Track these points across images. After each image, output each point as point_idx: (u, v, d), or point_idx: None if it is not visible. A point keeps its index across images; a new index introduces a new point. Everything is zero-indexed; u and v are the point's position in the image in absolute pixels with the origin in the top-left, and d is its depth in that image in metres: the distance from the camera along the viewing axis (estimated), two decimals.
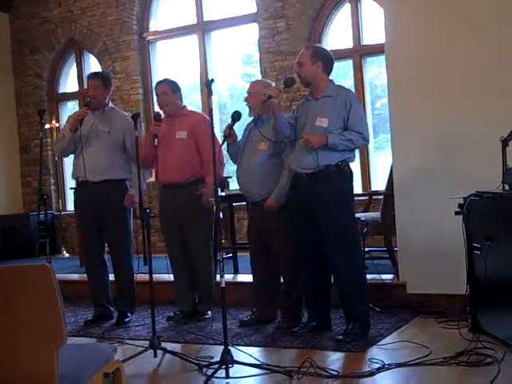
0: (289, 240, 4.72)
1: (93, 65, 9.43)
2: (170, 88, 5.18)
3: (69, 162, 9.39)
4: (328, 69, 4.51)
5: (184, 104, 5.34)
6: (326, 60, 4.50)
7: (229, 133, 4.64)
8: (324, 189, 4.35)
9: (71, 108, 10.01)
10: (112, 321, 5.38)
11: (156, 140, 4.86)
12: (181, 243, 5.22)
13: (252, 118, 4.89)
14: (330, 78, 4.56)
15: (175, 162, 5.05)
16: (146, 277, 4.43)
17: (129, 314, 5.36)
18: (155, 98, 8.66)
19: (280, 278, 4.94)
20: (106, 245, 5.46)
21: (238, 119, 4.69)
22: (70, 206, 9.28)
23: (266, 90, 4.79)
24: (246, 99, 4.85)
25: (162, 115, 5.20)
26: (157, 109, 8.63)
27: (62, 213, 9.27)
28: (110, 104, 5.46)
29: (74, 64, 9.58)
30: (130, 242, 5.38)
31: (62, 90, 9.74)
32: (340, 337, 4.35)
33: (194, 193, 5.01)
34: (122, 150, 5.28)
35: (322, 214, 4.37)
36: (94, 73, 5.55)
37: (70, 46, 9.50)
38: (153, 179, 5.48)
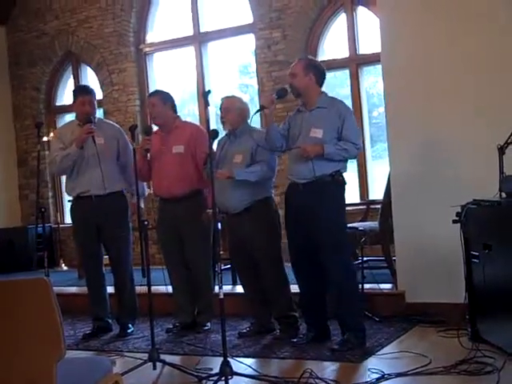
0: (272, 247, 4.76)
1: (90, 77, 9.44)
2: (160, 99, 5.16)
3: None
4: (320, 81, 4.54)
5: (178, 114, 5.30)
6: (319, 72, 4.53)
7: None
8: (319, 199, 4.36)
9: (69, 121, 9.99)
10: (111, 333, 5.37)
11: (148, 155, 4.86)
12: (180, 255, 5.21)
13: (225, 132, 4.95)
14: (323, 89, 4.58)
15: (173, 176, 5.05)
16: (145, 289, 4.42)
17: (130, 326, 5.36)
18: None
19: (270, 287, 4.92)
20: (106, 257, 5.46)
21: (216, 137, 4.77)
22: (69, 219, 9.19)
23: (241, 104, 4.89)
24: (223, 115, 4.87)
25: (154, 129, 5.21)
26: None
27: (60, 225, 9.26)
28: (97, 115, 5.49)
29: (72, 76, 9.60)
30: (131, 253, 5.39)
31: (59, 103, 9.75)
32: (336, 346, 4.35)
33: (194, 208, 5.04)
34: (117, 159, 5.30)
35: (316, 224, 4.37)
36: (86, 89, 5.42)
37: (67, 58, 9.51)
38: (151, 191, 5.50)
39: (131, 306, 5.36)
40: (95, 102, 5.34)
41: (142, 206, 5.21)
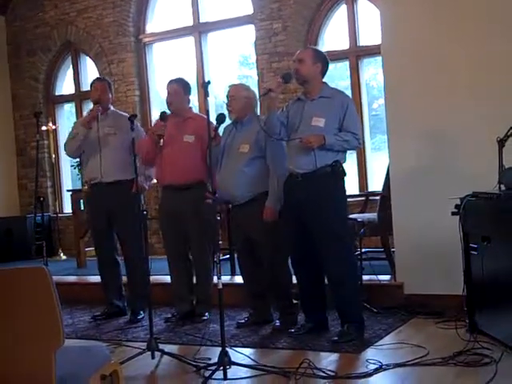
0: (277, 239, 4.73)
1: (89, 67, 9.43)
2: (183, 89, 5.23)
3: (65, 164, 9.49)
4: (324, 71, 4.57)
5: (190, 106, 5.37)
6: (325, 62, 4.56)
7: (214, 135, 4.66)
8: (319, 189, 4.36)
9: (68, 110, 10.01)
10: (123, 318, 5.49)
11: (162, 140, 4.91)
12: (180, 246, 5.22)
13: (231, 121, 4.92)
14: (324, 80, 4.59)
15: (180, 163, 5.06)
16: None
17: (141, 312, 5.42)
18: (152, 99, 8.80)
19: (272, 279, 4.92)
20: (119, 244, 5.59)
21: (223, 121, 4.75)
22: (67, 209, 9.27)
23: (248, 93, 4.87)
24: (229, 103, 4.86)
25: (168, 114, 5.19)
26: (153, 110, 8.72)
27: (59, 215, 9.25)
28: (112, 108, 5.65)
29: (71, 66, 9.58)
30: (145, 240, 5.38)
31: (58, 93, 9.74)
32: (335, 338, 4.36)
33: (197, 198, 4.98)
34: (130, 149, 5.30)
35: (316, 215, 4.37)
36: (100, 77, 5.81)
37: (67, 48, 9.50)
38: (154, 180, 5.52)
39: (142, 294, 5.36)
40: (106, 90, 5.53)
41: (146, 186, 5.41)
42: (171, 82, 5.28)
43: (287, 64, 7.60)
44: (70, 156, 6.10)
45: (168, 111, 5.20)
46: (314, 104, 4.48)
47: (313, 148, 4.32)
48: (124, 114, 5.67)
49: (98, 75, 9.02)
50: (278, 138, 4.55)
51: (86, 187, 5.67)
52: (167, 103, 5.25)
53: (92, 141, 5.39)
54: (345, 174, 4.49)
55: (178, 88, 5.21)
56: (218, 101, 8.70)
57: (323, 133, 4.35)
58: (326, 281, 4.62)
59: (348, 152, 4.60)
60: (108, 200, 5.34)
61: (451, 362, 3.73)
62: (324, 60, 4.56)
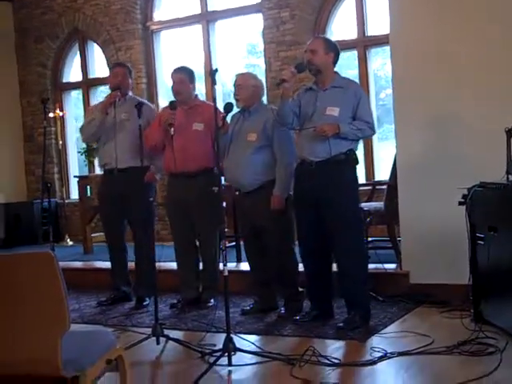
0: (283, 227, 4.74)
1: (97, 54, 9.42)
2: (188, 78, 5.23)
3: (72, 150, 9.51)
4: (336, 60, 4.57)
5: (196, 93, 5.38)
6: (336, 52, 4.57)
7: (222, 123, 4.67)
8: (333, 177, 4.37)
9: (75, 97, 10.01)
10: (129, 303, 5.53)
11: (172, 129, 4.89)
12: (188, 232, 5.24)
13: (239, 109, 4.92)
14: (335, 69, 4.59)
15: (191, 151, 5.06)
16: None
17: (147, 299, 5.44)
18: (159, 87, 8.79)
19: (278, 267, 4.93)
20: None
21: (231, 110, 4.77)
22: (74, 194, 9.31)
23: (256, 82, 4.89)
24: (236, 92, 4.87)
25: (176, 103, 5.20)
26: (160, 97, 8.72)
27: (66, 201, 9.29)
28: (130, 93, 5.67)
29: (78, 53, 9.57)
30: (153, 228, 5.42)
31: (65, 80, 9.73)
32: (341, 324, 4.38)
33: (206, 185, 4.88)
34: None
35: (329, 202, 4.38)
36: (120, 62, 6.08)
37: (74, 35, 9.48)
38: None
39: (149, 280, 5.37)
40: (126, 75, 5.56)
41: (157, 177, 5.47)
42: (175, 71, 5.29)
43: (295, 53, 7.57)
44: (86, 141, 6.09)
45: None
46: (327, 94, 4.49)
47: (327, 136, 4.32)
48: (142, 100, 5.67)
49: (105, 62, 9.04)
50: (291, 127, 4.57)
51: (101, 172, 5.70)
52: (174, 92, 5.24)
53: (108, 126, 5.41)
54: (357, 163, 4.51)
55: (183, 77, 5.22)
56: (225, 89, 8.69)
57: (337, 122, 4.35)
58: (333, 269, 4.63)
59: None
60: (121, 186, 5.34)
61: (456, 351, 3.74)
62: (335, 49, 4.56)
